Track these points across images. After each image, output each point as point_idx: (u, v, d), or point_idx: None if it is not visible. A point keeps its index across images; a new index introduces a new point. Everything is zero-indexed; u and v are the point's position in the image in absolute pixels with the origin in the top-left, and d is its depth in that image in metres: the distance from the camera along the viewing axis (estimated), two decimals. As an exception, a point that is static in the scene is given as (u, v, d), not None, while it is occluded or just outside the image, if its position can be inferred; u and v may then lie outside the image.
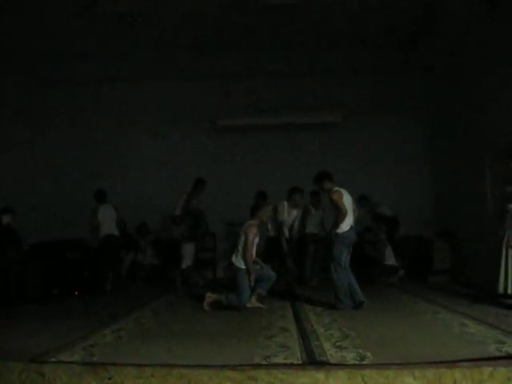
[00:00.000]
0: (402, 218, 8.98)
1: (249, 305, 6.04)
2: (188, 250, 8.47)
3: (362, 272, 8.13)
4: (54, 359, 3.70)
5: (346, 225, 5.84)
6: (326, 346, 4.01)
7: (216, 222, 9.40)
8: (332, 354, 3.74)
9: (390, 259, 8.49)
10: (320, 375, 3.32)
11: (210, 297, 6.04)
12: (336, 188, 5.92)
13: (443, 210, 9.70)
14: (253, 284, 5.92)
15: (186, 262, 8.45)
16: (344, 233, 5.84)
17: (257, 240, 6.10)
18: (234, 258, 6.06)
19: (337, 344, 4.06)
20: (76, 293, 7.55)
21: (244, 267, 5.94)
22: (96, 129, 10.39)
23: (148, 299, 6.92)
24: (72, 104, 10.49)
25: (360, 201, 8.63)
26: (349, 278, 5.82)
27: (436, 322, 5.04)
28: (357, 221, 6.10)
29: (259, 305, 6.10)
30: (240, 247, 6.03)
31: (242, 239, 6.03)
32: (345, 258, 5.84)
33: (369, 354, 3.68)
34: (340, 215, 5.77)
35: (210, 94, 10.31)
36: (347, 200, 5.90)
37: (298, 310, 5.82)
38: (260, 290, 6.13)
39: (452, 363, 3.38)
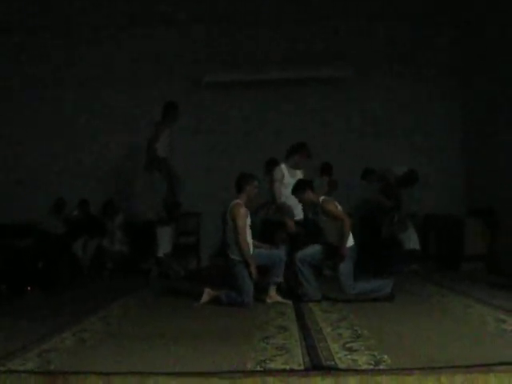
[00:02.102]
0: (426, 193, 9.01)
1: (269, 300, 6.12)
2: (164, 235, 8.54)
3: (378, 259, 8.23)
4: (1, 368, 3.71)
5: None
6: (334, 347, 4.04)
7: (201, 198, 9.50)
8: (341, 358, 3.77)
9: (412, 242, 8.54)
10: (326, 383, 3.35)
11: (210, 293, 6.11)
12: (323, 197, 6.23)
13: (477, 183, 9.73)
14: (255, 277, 5.97)
15: (163, 249, 8.51)
16: (352, 246, 6.09)
17: (249, 221, 6.14)
18: (228, 250, 6.10)
19: (347, 345, 4.09)
20: (29, 288, 7.55)
21: (241, 259, 6.00)
22: (58, 86, 10.39)
23: (117, 294, 6.92)
24: (26, 56, 10.43)
25: (366, 177, 8.79)
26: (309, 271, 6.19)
27: (468, 318, 5.09)
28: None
29: (281, 299, 6.16)
30: (231, 236, 6.07)
31: (230, 225, 6.08)
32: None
33: (385, 358, 3.72)
34: (346, 225, 5.96)
35: (195, 45, 10.27)
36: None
37: (301, 306, 5.87)
38: (276, 279, 6.19)
39: (486, 367, 3.42)
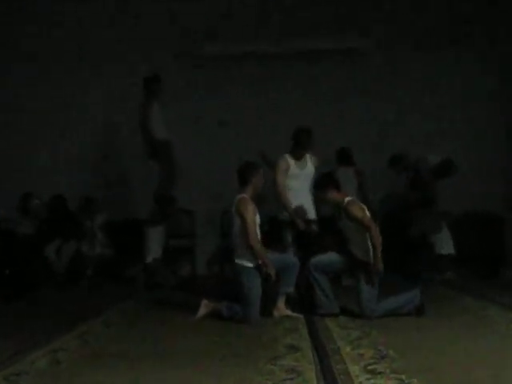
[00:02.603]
0: (459, 189, 9.05)
1: (276, 314, 6.10)
2: (154, 237, 8.57)
3: (404, 265, 8.27)
4: (-39, 395, 3.68)
5: None
6: (354, 370, 4.01)
7: (193, 193, 9.53)
8: (362, 382, 3.74)
9: (446, 246, 8.51)
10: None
11: (208, 305, 6.10)
12: (347, 198, 6.08)
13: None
14: (274, 277, 5.94)
15: (152, 254, 8.53)
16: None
17: (258, 219, 6.11)
18: (234, 254, 6.11)
19: (369, 368, 4.05)
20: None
21: (251, 265, 5.98)
22: (29, 62, 10.35)
23: (97, 307, 6.90)
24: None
25: (393, 165, 8.81)
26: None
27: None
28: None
29: (290, 313, 6.14)
30: (237, 237, 6.06)
31: (237, 224, 6.06)
32: None
33: (415, 382, 3.68)
34: (375, 236, 5.83)
35: (195, 12, 10.24)
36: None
37: (314, 321, 5.84)
38: (286, 288, 6.14)
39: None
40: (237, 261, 6.06)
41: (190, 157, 9.72)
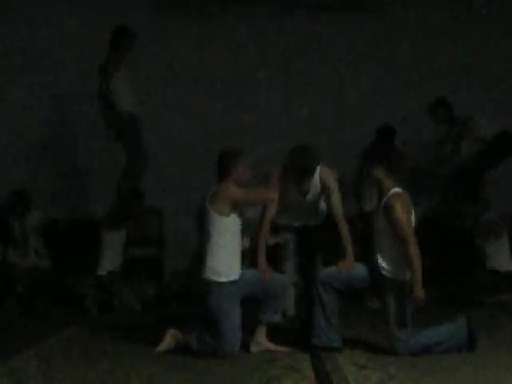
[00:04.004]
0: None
1: (254, 349, 5.87)
2: (112, 243, 8.38)
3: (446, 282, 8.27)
4: None
5: None
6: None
7: (162, 187, 9.32)
8: None
9: (504, 260, 8.39)
10: None
11: (175, 335, 5.85)
12: (397, 189, 5.70)
13: None
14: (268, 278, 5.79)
15: (107, 266, 8.33)
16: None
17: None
18: (204, 269, 5.76)
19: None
20: None
21: (225, 280, 5.66)
22: None
23: (32, 334, 6.73)
24: None
25: (434, 113, 8.92)
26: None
27: None
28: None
29: (274, 346, 5.91)
30: (211, 245, 5.73)
31: (216, 223, 5.72)
32: None
33: None
34: (413, 253, 5.44)
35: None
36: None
37: (322, 358, 5.55)
38: (266, 316, 5.88)
39: None
40: (206, 275, 5.72)
41: (157, 137, 9.47)
